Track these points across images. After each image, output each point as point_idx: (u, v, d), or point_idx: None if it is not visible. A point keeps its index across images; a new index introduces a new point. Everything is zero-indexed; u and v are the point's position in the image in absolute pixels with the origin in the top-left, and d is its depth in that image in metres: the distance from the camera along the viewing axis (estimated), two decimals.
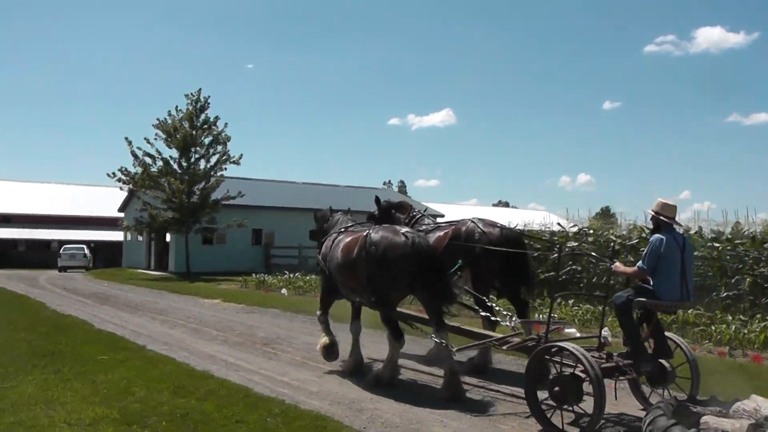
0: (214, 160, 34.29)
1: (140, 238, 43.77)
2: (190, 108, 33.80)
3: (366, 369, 9.29)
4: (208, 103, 34.32)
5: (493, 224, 9.47)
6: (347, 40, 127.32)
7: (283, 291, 22.70)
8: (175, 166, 33.63)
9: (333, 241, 9.13)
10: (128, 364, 9.59)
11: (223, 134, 34.32)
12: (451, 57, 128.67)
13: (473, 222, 9.45)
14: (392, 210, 10.78)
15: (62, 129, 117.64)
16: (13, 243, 53.66)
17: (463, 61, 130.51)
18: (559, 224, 20.32)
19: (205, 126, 33.95)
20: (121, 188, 35.80)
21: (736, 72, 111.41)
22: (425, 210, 11.05)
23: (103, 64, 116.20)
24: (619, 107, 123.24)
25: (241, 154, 34.38)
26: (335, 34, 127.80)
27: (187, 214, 32.97)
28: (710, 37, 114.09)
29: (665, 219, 6.94)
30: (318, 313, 9.73)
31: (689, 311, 12.91)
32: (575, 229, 19.92)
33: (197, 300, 20.44)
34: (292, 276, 26.02)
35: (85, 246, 45.28)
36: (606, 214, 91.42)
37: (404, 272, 7.89)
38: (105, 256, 49.99)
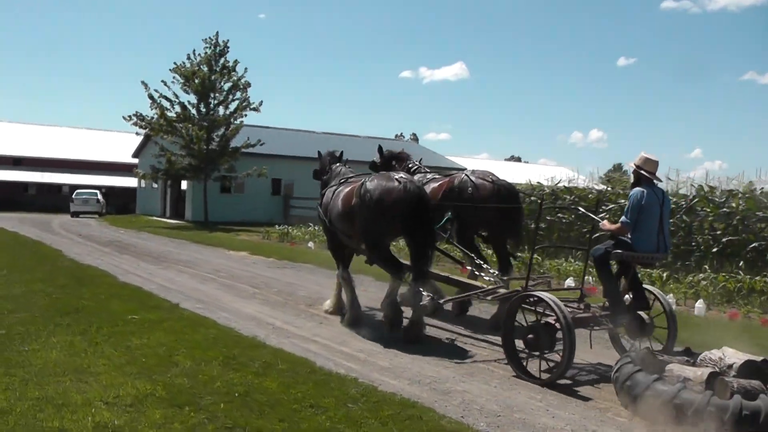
0: (233, 106, 32.87)
1: (155, 185, 42.58)
2: (209, 52, 32.24)
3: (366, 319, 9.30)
4: (227, 48, 32.80)
5: (485, 176, 9.56)
6: None
7: (310, 244, 21.51)
8: (194, 112, 32.19)
9: (333, 193, 9.24)
10: (164, 325, 8.46)
11: (243, 80, 32.80)
12: (464, 10, 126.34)
13: (466, 174, 9.63)
14: (392, 160, 11.18)
15: (74, 72, 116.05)
16: (23, 186, 52.51)
17: (476, 15, 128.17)
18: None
19: (224, 71, 32.43)
20: (137, 133, 34.47)
21: (755, 30, 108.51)
22: (420, 160, 11.48)
23: (115, 8, 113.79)
24: (633, 63, 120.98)
25: (261, 101, 32.98)
26: None
27: (205, 161, 31.67)
28: None
29: (646, 173, 7.05)
30: (337, 272, 9.60)
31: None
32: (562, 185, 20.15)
33: (223, 252, 19.24)
34: (316, 228, 24.80)
35: (98, 191, 44.02)
36: (618, 171, 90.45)
37: (397, 215, 8.05)
38: (116, 203, 48.76)
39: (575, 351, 6.27)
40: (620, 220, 7.12)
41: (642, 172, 7.09)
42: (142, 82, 31.17)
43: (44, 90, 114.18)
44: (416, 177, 10.05)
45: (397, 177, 8.32)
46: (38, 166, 52.33)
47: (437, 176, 10.38)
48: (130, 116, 31.48)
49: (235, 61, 32.63)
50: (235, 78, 32.54)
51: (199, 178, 32.45)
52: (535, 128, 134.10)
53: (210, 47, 32.29)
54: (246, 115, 32.94)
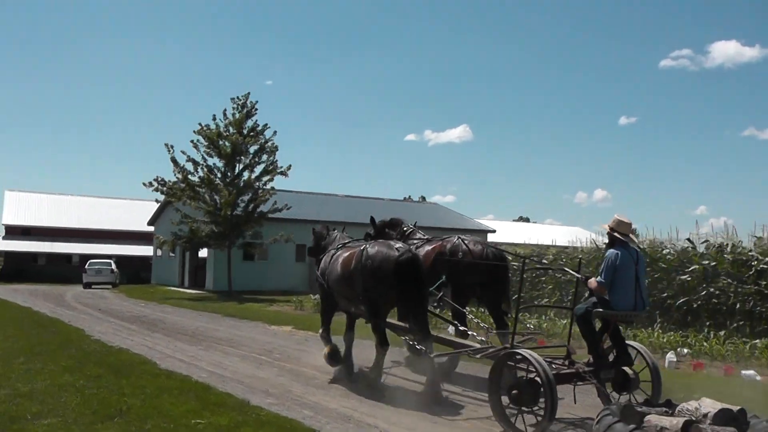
0: (257, 170, 31.10)
1: (171, 253, 40.65)
2: (237, 114, 30.63)
3: (357, 376, 9.47)
4: (256, 109, 31.24)
5: (476, 241, 10.03)
6: (364, 57, 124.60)
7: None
8: (218, 176, 30.42)
9: (332, 257, 9.50)
10: None
11: (270, 143, 31.11)
12: (467, 74, 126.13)
13: (460, 238, 10.01)
14: (386, 228, 11.35)
15: (82, 142, 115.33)
16: (32, 256, 50.83)
17: (479, 77, 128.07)
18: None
19: (252, 134, 30.75)
20: (157, 200, 32.72)
21: (752, 86, 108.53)
22: (415, 223, 11.63)
23: (121, 83, 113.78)
24: (634, 122, 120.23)
25: (290, 165, 31.12)
26: (352, 51, 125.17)
27: (229, 228, 29.72)
28: (726, 51, 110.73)
29: (619, 235, 7.39)
30: (320, 330, 10.15)
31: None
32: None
33: (263, 327, 17.10)
34: None
35: (111, 261, 42.06)
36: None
37: (395, 282, 8.35)
38: (128, 272, 46.66)
39: (557, 406, 6.43)
40: (596, 280, 7.38)
41: (615, 234, 7.42)
42: (166, 145, 29.72)
43: (52, 159, 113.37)
44: (411, 241, 10.53)
45: (396, 246, 8.67)
46: (47, 236, 50.84)
47: (431, 240, 10.62)
48: (150, 182, 29.76)
49: (265, 125, 31.12)
50: (263, 140, 30.82)
51: (223, 245, 30.44)
52: (540, 189, 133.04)
53: (238, 108, 30.70)
54: (274, 180, 31.07)
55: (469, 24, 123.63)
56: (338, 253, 9.37)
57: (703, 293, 14.96)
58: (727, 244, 15.57)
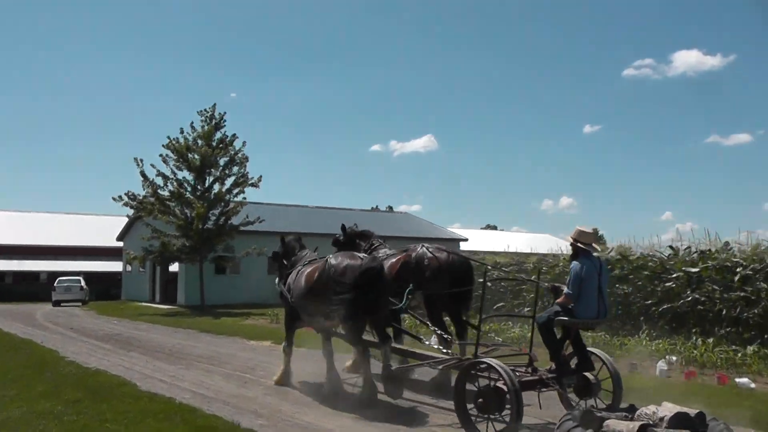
0: (228, 182, 30.67)
1: (141, 269, 39.97)
2: (206, 127, 30.16)
3: (345, 390, 9.48)
4: (224, 121, 30.84)
5: (440, 249, 10.19)
6: (328, 68, 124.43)
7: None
8: (189, 189, 29.92)
9: (297, 273, 9.74)
10: None
11: (240, 154, 30.68)
12: (431, 83, 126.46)
13: (423, 247, 10.18)
14: (356, 238, 11.37)
15: (45, 158, 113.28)
16: None
17: (443, 87, 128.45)
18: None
19: (221, 145, 30.31)
20: (128, 215, 32.18)
21: (715, 94, 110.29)
22: (384, 240, 11.57)
23: (82, 101, 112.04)
24: (598, 130, 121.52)
25: (261, 177, 30.74)
26: (316, 62, 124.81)
27: (201, 242, 29.22)
28: (687, 60, 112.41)
29: (582, 245, 7.55)
30: (283, 344, 10.56)
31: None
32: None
33: (242, 342, 16.74)
34: None
35: (80, 278, 41.18)
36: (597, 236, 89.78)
37: (360, 291, 8.44)
38: (97, 288, 45.63)
39: (523, 412, 6.61)
40: (564, 291, 7.56)
41: (578, 244, 7.58)
42: (135, 159, 29.19)
43: (15, 176, 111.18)
44: (379, 253, 10.56)
45: (360, 256, 9.03)
46: (14, 254, 49.70)
47: (396, 252, 10.64)
48: (120, 196, 29.21)
49: (234, 135, 30.66)
50: (232, 152, 30.38)
51: (195, 259, 29.92)
52: (506, 197, 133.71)
53: (206, 120, 30.23)
54: (245, 191, 30.66)
55: (433, 35, 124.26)
56: (303, 269, 9.62)
57: (689, 299, 14.88)
58: (709, 250, 15.52)
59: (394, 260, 10.19)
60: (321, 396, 9.37)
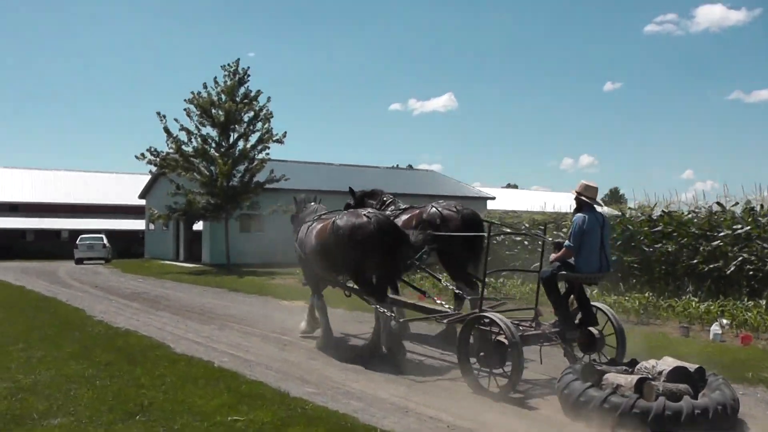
0: (253, 138, 29.78)
1: (165, 227, 39.53)
2: (229, 82, 29.26)
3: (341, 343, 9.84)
4: (248, 76, 29.77)
5: (451, 207, 10.10)
6: (347, 27, 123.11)
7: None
8: (213, 146, 29.17)
9: (308, 228, 9.69)
10: None
11: (265, 110, 29.76)
12: (451, 41, 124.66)
13: (434, 206, 10.16)
14: (365, 198, 11.49)
15: (67, 118, 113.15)
16: (20, 233, 49.53)
17: (463, 45, 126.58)
18: None
19: (246, 101, 29.38)
20: (150, 171, 31.48)
21: (738, 50, 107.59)
22: (395, 197, 11.58)
23: (102, 60, 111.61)
24: (620, 88, 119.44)
25: (285, 132, 29.84)
26: (334, 21, 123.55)
27: (226, 199, 28.54)
28: (711, 15, 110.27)
29: (586, 199, 7.54)
30: (314, 301, 10.22)
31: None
32: None
33: (275, 302, 16.04)
34: None
35: (103, 236, 40.76)
36: (615, 195, 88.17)
37: (367, 248, 8.43)
38: (118, 246, 45.24)
39: (524, 366, 6.73)
40: (564, 244, 7.57)
41: (583, 198, 7.56)
42: (158, 113, 28.32)
43: (39, 135, 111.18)
44: (389, 210, 10.63)
45: (365, 213, 8.83)
46: (35, 212, 49.55)
47: (407, 209, 10.70)
48: (143, 154, 28.46)
49: (258, 91, 29.66)
50: (257, 108, 29.51)
51: (220, 217, 29.28)
52: (526, 156, 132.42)
53: (229, 75, 29.32)
54: (270, 148, 29.78)
55: None
56: (313, 225, 9.62)
57: (738, 259, 14.08)
58: (762, 206, 14.71)
59: (405, 217, 10.29)
60: (366, 360, 8.72)
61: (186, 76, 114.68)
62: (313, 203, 10.74)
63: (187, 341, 10.33)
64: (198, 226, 35.35)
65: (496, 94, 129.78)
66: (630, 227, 16.82)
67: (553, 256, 7.74)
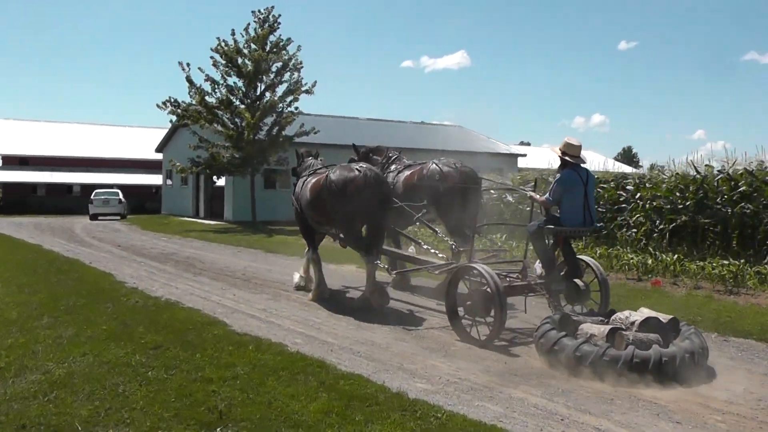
0: (281, 89, 27.88)
1: (184, 184, 37.84)
2: (259, 29, 27.26)
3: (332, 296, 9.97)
4: (279, 23, 27.73)
5: (450, 164, 10.11)
6: None
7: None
8: (238, 97, 27.35)
9: (303, 182, 9.99)
10: None
11: (295, 59, 27.78)
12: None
13: (434, 163, 10.23)
14: (370, 154, 11.57)
15: (77, 70, 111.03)
16: (31, 187, 47.80)
17: (476, 2, 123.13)
18: None
19: (275, 50, 27.39)
20: (171, 122, 29.68)
21: (755, 9, 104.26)
22: (400, 153, 11.63)
23: (112, 15, 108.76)
24: (634, 47, 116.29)
25: (315, 81, 27.91)
26: None
27: (253, 154, 26.77)
28: None
29: (569, 157, 7.69)
30: (307, 251, 10.49)
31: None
32: None
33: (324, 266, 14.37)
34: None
35: (119, 191, 39.10)
36: (627, 154, 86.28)
37: (358, 200, 8.79)
38: (132, 202, 43.47)
39: (507, 315, 6.90)
40: (545, 197, 7.86)
41: (566, 157, 7.70)
42: (180, 63, 26.38)
43: (49, 87, 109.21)
44: (393, 166, 10.93)
45: (356, 167, 9.06)
46: (46, 166, 47.90)
47: (410, 165, 10.82)
48: (164, 103, 26.64)
49: (289, 39, 27.60)
50: (286, 57, 27.52)
51: (245, 172, 27.55)
52: (538, 114, 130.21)
53: (259, 23, 27.30)
54: (298, 100, 27.87)
55: None
56: (308, 179, 9.83)
57: None
58: None
59: (408, 173, 10.51)
60: (468, 344, 7.09)
61: (209, 28, 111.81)
62: (310, 158, 10.86)
63: (243, 315, 8.73)
64: (220, 181, 33.62)
65: (509, 53, 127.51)
66: (705, 186, 15.14)
67: (534, 195, 8.13)
